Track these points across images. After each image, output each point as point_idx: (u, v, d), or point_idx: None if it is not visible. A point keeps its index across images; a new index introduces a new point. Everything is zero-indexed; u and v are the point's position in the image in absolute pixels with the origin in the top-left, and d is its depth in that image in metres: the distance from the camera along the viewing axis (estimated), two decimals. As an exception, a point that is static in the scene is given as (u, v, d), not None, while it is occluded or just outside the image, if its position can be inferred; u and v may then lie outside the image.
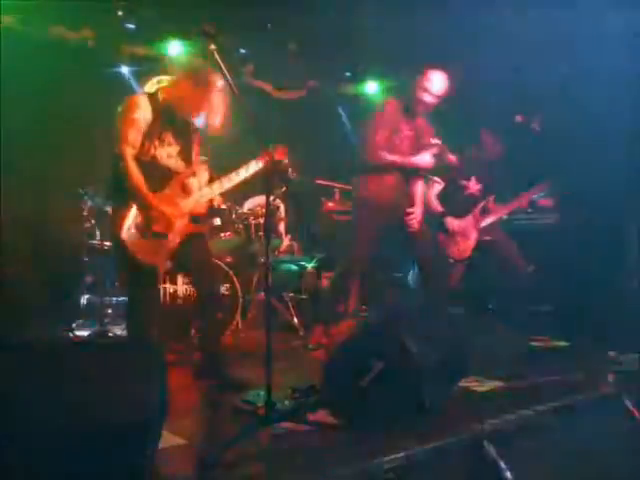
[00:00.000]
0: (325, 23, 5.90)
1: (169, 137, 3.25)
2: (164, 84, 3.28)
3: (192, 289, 4.62)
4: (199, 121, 3.40)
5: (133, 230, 3.10)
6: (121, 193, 3.13)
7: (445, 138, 4.40)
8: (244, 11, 5.45)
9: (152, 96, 3.22)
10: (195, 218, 3.42)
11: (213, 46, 2.76)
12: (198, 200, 3.38)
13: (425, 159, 4.25)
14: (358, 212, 4.43)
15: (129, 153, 3.09)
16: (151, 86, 3.31)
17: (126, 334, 3.37)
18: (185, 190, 3.36)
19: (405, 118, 4.32)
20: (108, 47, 6.05)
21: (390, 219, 4.26)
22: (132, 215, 3.11)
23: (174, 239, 3.25)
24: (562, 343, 4.55)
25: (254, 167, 3.42)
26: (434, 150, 4.32)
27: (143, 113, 3.14)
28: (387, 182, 4.26)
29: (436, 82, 4.21)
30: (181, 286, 4.60)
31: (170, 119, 3.24)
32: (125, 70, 6.19)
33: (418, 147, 4.32)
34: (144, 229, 3.14)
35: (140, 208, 3.12)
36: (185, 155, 3.34)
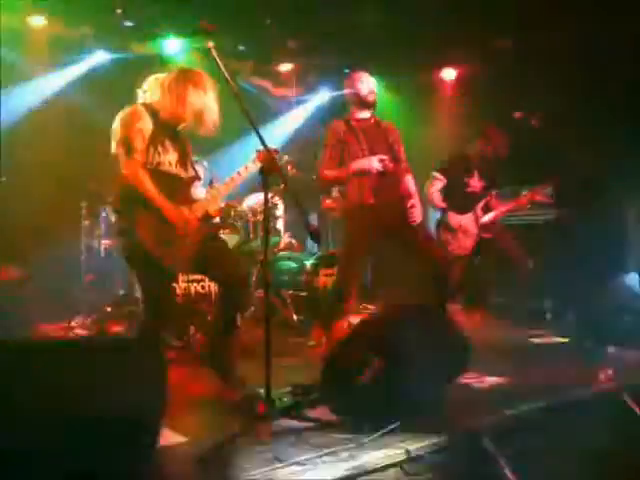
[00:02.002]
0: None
1: (168, 145, 3.27)
2: (154, 93, 3.27)
3: (192, 287, 4.63)
4: (189, 125, 3.39)
5: (150, 237, 3.09)
6: (135, 202, 3.10)
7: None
8: (242, 7, 5.44)
9: (147, 105, 3.24)
10: (208, 220, 3.43)
11: (211, 43, 2.76)
12: (207, 202, 3.39)
13: (365, 164, 4.06)
14: (347, 218, 4.31)
15: (140, 163, 3.10)
16: (143, 91, 3.31)
17: (137, 333, 3.36)
18: (193, 194, 3.38)
19: (351, 129, 4.17)
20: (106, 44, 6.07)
21: (381, 219, 4.19)
22: (148, 223, 3.10)
23: (191, 242, 3.26)
24: (562, 339, 4.55)
25: (253, 167, 3.42)
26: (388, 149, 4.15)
27: (145, 123, 3.15)
28: (366, 184, 4.10)
29: (363, 82, 4.17)
30: (181, 283, 4.60)
31: (165, 127, 3.26)
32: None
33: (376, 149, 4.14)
34: (162, 236, 3.12)
35: (157, 216, 3.11)
36: (184, 161, 3.36)
